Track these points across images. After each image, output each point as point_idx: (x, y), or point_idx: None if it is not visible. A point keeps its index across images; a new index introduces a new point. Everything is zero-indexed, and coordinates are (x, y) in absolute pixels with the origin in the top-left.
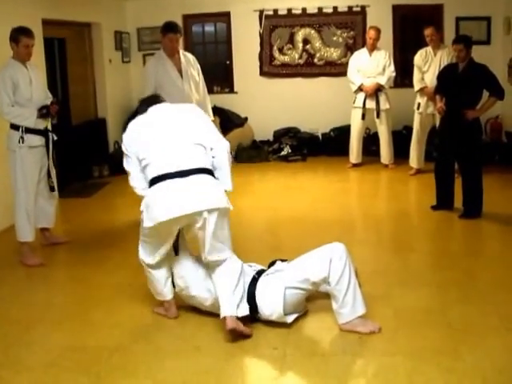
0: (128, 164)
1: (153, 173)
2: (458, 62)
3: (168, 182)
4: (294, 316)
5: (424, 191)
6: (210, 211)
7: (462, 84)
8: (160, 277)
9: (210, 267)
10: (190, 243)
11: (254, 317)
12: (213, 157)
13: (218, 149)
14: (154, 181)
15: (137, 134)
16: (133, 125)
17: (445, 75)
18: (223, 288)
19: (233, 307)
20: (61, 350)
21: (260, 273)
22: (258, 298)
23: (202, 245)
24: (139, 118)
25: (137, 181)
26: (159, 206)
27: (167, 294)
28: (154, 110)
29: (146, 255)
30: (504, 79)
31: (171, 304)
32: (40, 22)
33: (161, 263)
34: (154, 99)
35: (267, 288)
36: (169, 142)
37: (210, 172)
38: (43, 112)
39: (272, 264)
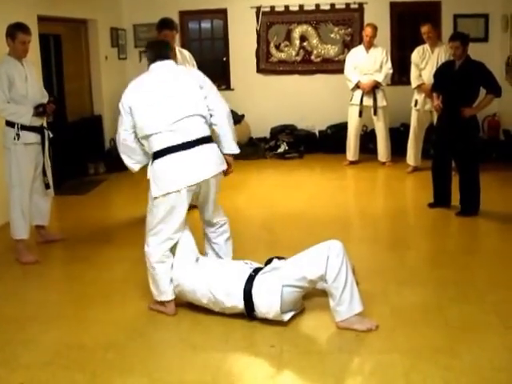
0: (122, 125)
1: (157, 146)
2: (454, 60)
3: (174, 154)
4: (291, 314)
5: (421, 189)
6: (213, 177)
7: (458, 81)
8: (164, 273)
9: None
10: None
11: (250, 315)
12: (214, 124)
13: (217, 116)
14: (159, 153)
15: (136, 98)
16: (133, 86)
17: (442, 73)
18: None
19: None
20: (56, 347)
21: (257, 270)
22: (254, 295)
23: (205, 208)
24: (140, 79)
25: (127, 158)
26: (168, 178)
27: (170, 293)
28: (156, 70)
29: (158, 245)
30: (501, 77)
31: (170, 301)
32: (35, 19)
33: (167, 257)
34: (160, 50)
35: (264, 286)
36: (169, 114)
37: (210, 139)
38: (39, 110)
39: (269, 262)
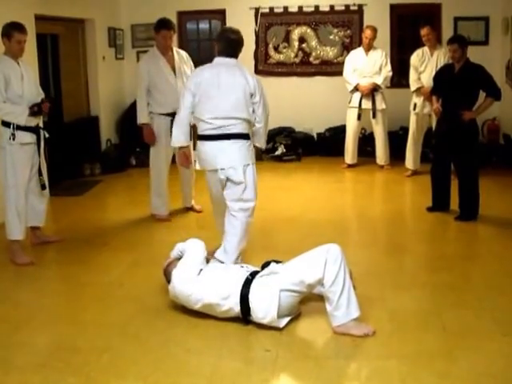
0: (186, 102)
1: (200, 130)
2: (454, 63)
3: (208, 142)
4: (287, 320)
5: (420, 193)
6: (234, 167)
7: (458, 85)
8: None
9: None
10: None
11: (246, 319)
12: (253, 125)
13: (257, 123)
14: (200, 136)
15: (197, 84)
16: (198, 72)
17: (441, 76)
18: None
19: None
20: (51, 350)
21: (253, 274)
22: (251, 300)
23: (226, 191)
24: (205, 68)
25: (177, 130)
26: (201, 158)
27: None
28: (217, 64)
29: None
30: (502, 80)
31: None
32: (33, 18)
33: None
34: (228, 47)
35: (262, 291)
36: (213, 109)
37: (244, 136)
38: (34, 110)
39: (266, 265)
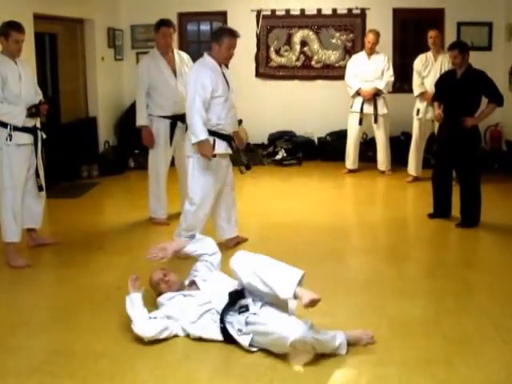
0: None
1: None
2: (456, 69)
3: None
4: None
5: (421, 199)
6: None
7: (460, 90)
8: None
9: None
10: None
11: None
12: None
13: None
14: None
15: None
16: None
17: (443, 82)
18: None
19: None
20: (46, 354)
21: (223, 314)
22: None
23: None
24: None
25: None
26: None
27: None
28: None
29: None
30: (505, 86)
31: None
32: (31, 17)
33: None
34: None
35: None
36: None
37: None
38: (32, 111)
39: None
